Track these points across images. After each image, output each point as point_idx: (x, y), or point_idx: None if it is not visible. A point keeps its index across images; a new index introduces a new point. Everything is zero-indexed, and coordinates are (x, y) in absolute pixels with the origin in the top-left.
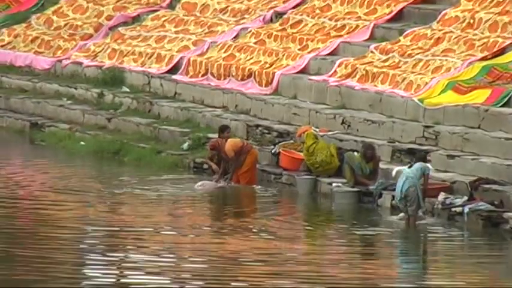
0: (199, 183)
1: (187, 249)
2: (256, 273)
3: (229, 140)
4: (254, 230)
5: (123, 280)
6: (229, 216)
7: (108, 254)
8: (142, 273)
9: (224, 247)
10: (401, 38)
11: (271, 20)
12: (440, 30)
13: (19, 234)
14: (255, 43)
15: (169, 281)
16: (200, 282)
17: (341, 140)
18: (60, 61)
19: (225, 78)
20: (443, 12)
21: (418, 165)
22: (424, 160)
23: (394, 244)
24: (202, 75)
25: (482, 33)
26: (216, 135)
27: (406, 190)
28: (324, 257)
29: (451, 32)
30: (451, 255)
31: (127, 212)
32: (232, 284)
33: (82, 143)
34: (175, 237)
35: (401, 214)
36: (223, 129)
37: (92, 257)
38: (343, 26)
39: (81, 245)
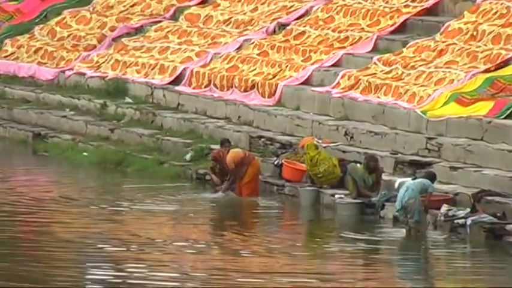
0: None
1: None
2: None
3: (231, 151)
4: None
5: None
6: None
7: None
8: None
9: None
10: (404, 49)
11: (274, 32)
12: (443, 42)
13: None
14: (258, 54)
15: None
16: None
17: (344, 152)
18: (63, 72)
19: (228, 90)
20: (447, 24)
21: (422, 180)
22: (432, 180)
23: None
24: (205, 87)
25: (485, 45)
26: (218, 146)
27: (406, 201)
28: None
29: (454, 44)
30: (453, 269)
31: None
32: None
33: (85, 153)
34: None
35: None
36: (223, 143)
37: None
38: (346, 38)
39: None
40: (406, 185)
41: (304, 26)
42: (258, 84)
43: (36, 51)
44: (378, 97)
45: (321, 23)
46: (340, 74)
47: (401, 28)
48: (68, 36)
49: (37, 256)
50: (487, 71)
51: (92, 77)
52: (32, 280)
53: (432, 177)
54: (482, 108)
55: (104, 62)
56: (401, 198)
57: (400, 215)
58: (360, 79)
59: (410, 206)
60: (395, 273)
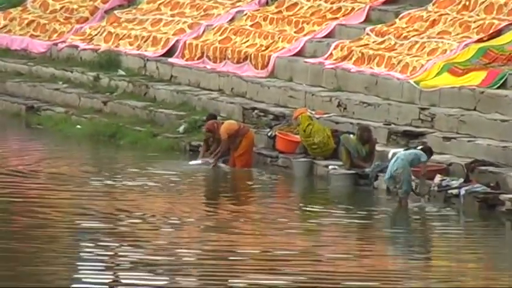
0: (194, 162)
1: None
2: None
3: (225, 122)
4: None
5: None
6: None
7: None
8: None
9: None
10: (397, 20)
11: (266, 3)
12: (435, 12)
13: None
14: (251, 26)
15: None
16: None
17: (337, 123)
18: (56, 44)
19: (220, 61)
20: None
21: (414, 151)
22: (428, 154)
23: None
24: (198, 58)
25: (478, 15)
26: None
27: (394, 171)
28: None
29: (447, 14)
30: (446, 239)
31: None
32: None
33: (78, 126)
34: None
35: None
36: (209, 118)
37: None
38: (339, 9)
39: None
40: (397, 155)
41: None
42: (250, 55)
43: (28, 24)
44: (371, 68)
45: None
46: (333, 45)
47: None
48: (61, 8)
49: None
50: (479, 40)
51: (84, 49)
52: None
53: (428, 151)
54: (475, 78)
55: (96, 35)
56: (390, 168)
57: (389, 185)
58: (352, 50)
59: (399, 176)
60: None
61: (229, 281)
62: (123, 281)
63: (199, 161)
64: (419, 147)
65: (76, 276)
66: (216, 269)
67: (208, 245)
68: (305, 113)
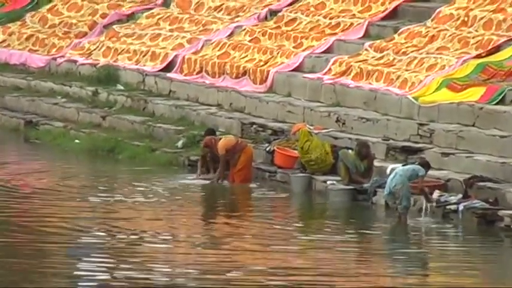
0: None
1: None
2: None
3: (223, 137)
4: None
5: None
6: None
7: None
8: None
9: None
10: (395, 35)
11: (265, 18)
12: (434, 28)
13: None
14: (250, 41)
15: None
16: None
17: (335, 138)
18: (54, 59)
19: (219, 76)
20: (438, 10)
21: (412, 166)
22: (426, 168)
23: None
24: (197, 73)
25: (476, 30)
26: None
27: (393, 187)
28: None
29: (446, 29)
30: (444, 254)
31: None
32: None
33: (77, 140)
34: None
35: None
36: (208, 134)
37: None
38: (338, 24)
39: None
40: (395, 170)
41: (296, 13)
42: (249, 70)
43: (27, 39)
44: (370, 83)
45: (312, 9)
46: (332, 60)
47: (393, 14)
48: (60, 23)
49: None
50: (478, 56)
51: (83, 64)
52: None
53: (426, 165)
54: (474, 94)
55: (95, 49)
56: (389, 184)
57: (388, 201)
58: (351, 65)
59: (397, 192)
60: (386, 263)
61: None
62: None
63: (194, 177)
64: (417, 162)
65: None
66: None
67: (204, 262)
68: (304, 128)
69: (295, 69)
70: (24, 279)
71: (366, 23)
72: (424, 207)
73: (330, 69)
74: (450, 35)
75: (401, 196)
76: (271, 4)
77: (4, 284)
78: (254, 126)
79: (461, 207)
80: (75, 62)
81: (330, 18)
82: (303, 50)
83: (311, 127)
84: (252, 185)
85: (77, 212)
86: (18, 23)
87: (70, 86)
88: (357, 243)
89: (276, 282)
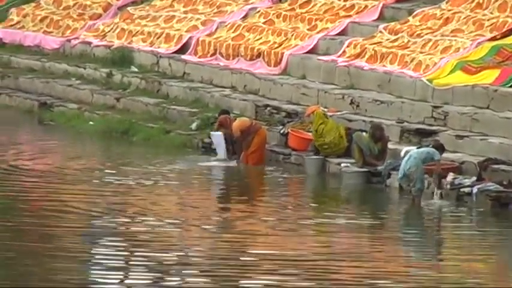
0: (211, 160)
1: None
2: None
3: (237, 119)
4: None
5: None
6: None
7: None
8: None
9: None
10: (410, 18)
11: (280, 0)
12: (449, 10)
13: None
14: (264, 23)
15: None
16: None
17: (350, 120)
18: (69, 41)
19: (233, 58)
20: None
21: (426, 149)
22: (440, 150)
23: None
24: (211, 55)
25: (491, 13)
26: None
27: (407, 169)
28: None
29: (460, 12)
30: (457, 238)
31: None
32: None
33: (91, 122)
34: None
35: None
36: (221, 114)
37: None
38: (352, 6)
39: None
40: (410, 153)
41: None
42: (263, 53)
43: (41, 20)
44: (384, 66)
45: None
46: (346, 42)
47: None
48: (74, 5)
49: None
50: (493, 39)
51: (97, 46)
52: None
53: (440, 148)
54: (489, 77)
55: (109, 31)
56: (403, 167)
57: (402, 183)
58: (365, 48)
59: (412, 174)
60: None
61: (240, 282)
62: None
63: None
64: (431, 145)
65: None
66: (226, 269)
67: (217, 244)
68: (318, 110)
69: (310, 52)
70: (37, 263)
71: (381, 5)
72: (434, 192)
73: (344, 51)
74: (465, 17)
75: (415, 179)
76: None
77: (17, 266)
78: (268, 108)
79: (475, 189)
80: (89, 43)
81: (345, 1)
82: (318, 32)
83: (325, 109)
84: (268, 168)
85: (89, 195)
86: (33, 4)
87: (84, 68)
88: (370, 227)
89: (287, 267)
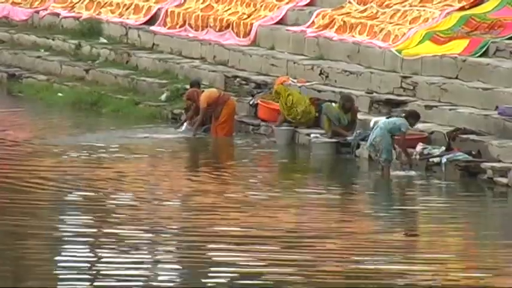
0: (180, 129)
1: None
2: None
3: (205, 90)
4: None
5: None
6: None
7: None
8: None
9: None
10: None
11: None
12: None
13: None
14: None
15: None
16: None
17: (319, 91)
18: (37, 12)
19: (202, 30)
20: None
21: (396, 119)
22: (413, 119)
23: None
24: (180, 27)
25: None
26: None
27: (373, 139)
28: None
29: None
30: (426, 208)
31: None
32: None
33: (60, 94)
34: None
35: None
36: (193, 85)
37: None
38: None
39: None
40: (378, 124)
41: None
42: (233, 24)
43: None
44: (353, 36)
45: None
46: (315, 13)
47: None
48: None
49: None
50: (461, 9)
51: (66, 17)
52: None
53: (414, 116)
54: (457, 47)
55: (78, 2)
56: (370, 137)
57: (370, 153)
58: (334, 18)
59: (377, 144)
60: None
61: (207, 254)
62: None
63: (183, 128)
64: (403, 114)
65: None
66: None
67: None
68: (280, 85)
69: (279, 22)
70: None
71: None
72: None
73: (313, 22)
74: None
75: (381, 149)
76: None
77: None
78: (237, 79)
79: (444, 159)
80: (57, 15)
81: None
82: (286, 3)
83: (294, 80)
84: (236, 139)
85: (59, 168)
86: None
87: (53, 39)
88: (339, 200)
89: (250, 243)
